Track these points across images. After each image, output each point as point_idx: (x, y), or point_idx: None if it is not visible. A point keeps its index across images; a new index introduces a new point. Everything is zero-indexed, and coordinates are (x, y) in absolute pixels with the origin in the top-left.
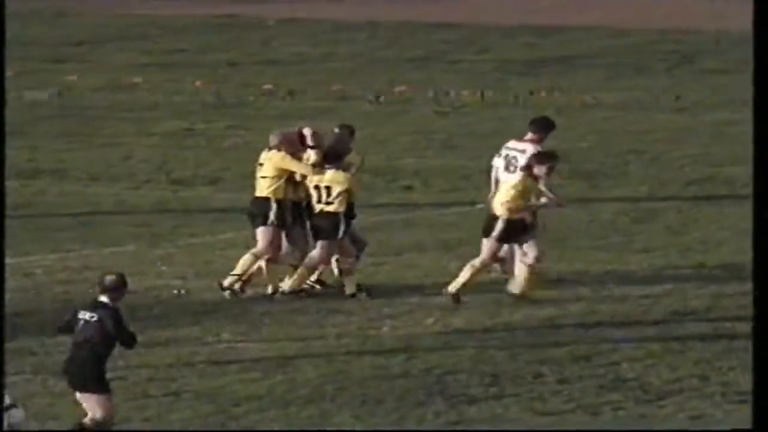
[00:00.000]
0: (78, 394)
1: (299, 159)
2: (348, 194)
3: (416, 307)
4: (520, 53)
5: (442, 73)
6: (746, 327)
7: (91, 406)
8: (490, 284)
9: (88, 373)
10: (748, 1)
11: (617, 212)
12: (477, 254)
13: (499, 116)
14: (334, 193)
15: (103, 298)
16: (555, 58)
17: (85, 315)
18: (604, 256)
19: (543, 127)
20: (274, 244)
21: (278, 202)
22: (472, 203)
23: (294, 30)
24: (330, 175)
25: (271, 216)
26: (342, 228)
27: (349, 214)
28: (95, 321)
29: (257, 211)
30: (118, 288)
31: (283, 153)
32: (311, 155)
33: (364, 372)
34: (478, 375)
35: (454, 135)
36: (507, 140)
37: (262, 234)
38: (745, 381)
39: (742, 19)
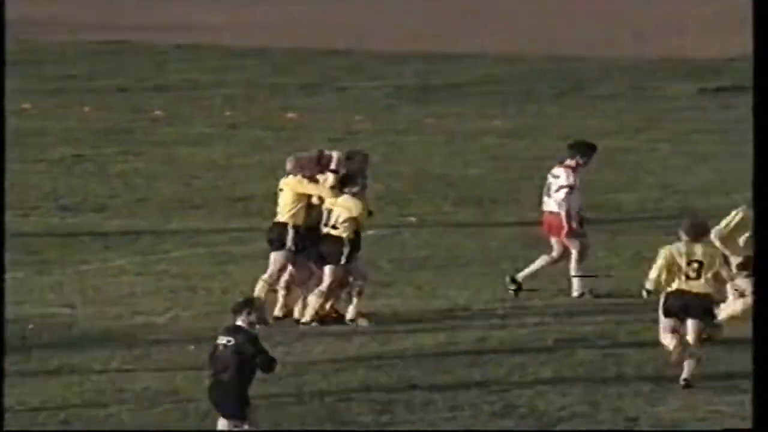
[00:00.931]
0: (222, 420)
1: (315, 182)
2: (355, 221)
3: (308, 334)
4: (410, 80)
5: (332, 100)
6: (637, 353)
7: (229, 429)
8: (378, 312)
9: (231, 397)
10: (638, 28)
11: (508, 238)
12: (368, 281)
13: (391, 142)
14: (342, 218)
15: (239, 322)
16: (445, 85)
17: (222, 340)
18: (496, 283)
19: (578, 151)
20: (285, 270)
21: (296, 227)
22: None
23: (185, 56)
24: (341, 200)
25: (288, 242)
26: (345, 253)
27: (357, 241)
28: (231, 345)
29: (275, 236)
30: (249, 308)
31: (299, 177)
32: (329, 178)
33: (256, 401)
34: (369, 402)
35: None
36: (398, 167)
37: (275, 259)
38: (633, 408)
39: (630, 47)
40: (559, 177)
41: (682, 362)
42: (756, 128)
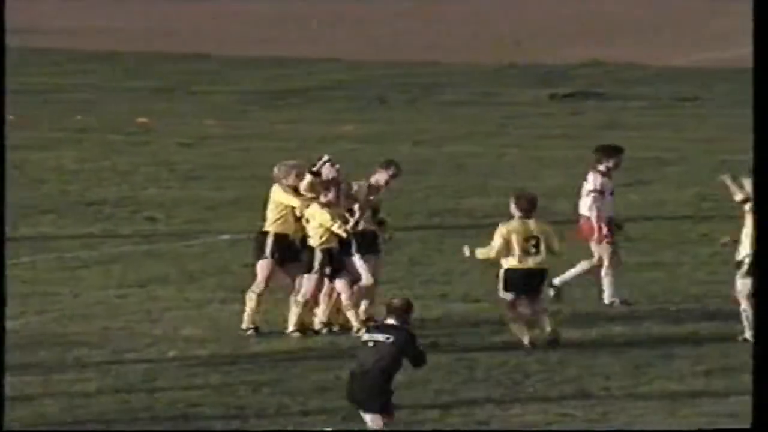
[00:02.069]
0: (364, 415)
1: (295, 190)
2: (323, 229)
3: (160, 340)
4: (262, 85)
5: (184, 104)
6: (488, 358)
7: (376, 425)
8: (231, 317)
9: (377, 393)
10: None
11: None
12: (221, 286)
13: (243, 147)
14: (309, 227)
15: (392, 321)
16: (297, 90)
17: (375, 337)
18: None
19: (603, 154)
20: (271, 279)
21: (276, 235)
22: (216, 234)
23: (34, 60)
24: (309, 210)
25: (267, 250)
26: (318, 261)
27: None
28: (390, 342)
29: (256, 244)
30: (407, 311)
31: (278, 186)
32: (306, 179)
33: (107, 407)
34: (222, 408)
35: (197, 166)
36: (251, 172)
37: (259, 268)
38: (485, 411)
39: (481, 53)
40: (588, 181)
41: (524, 334)
42: (756, 127)
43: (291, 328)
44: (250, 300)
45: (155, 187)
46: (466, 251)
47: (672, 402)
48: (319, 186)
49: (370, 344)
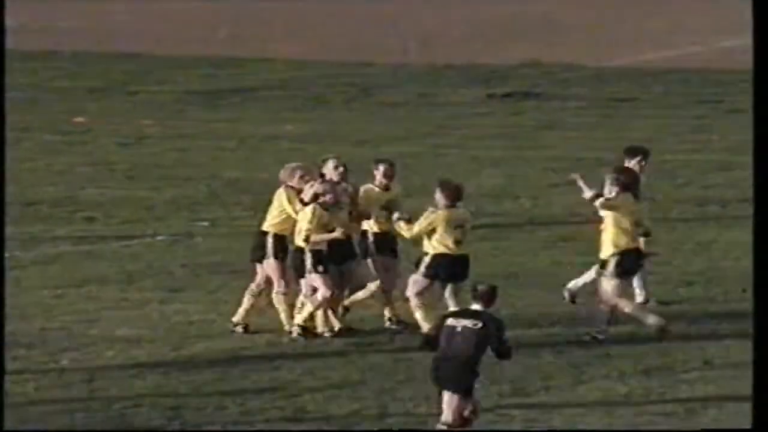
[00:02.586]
0: (445, 394)
1: (297, 192)
2: (308, 231)
3: (98, 340)
4: (200, 84)
5: (122, 104)
6: (427, 357)
7: (453, 406)
8: (170, 317)
9: (463, 377)
10: (429, 35)
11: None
12: (160, 286)
13: (181, 147)
14: (297, 229)
15: (478, 307)
16: (236, 89)
17: (462, 323)
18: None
19: (628, 155)
20: (282, 276)
21: (275, 236)
22: (154, 235)
23: None
24: (301, 212)
25: (268, 250)
26: (309, 262)
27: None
28: (478, 328)
29: (255, 244)
30: (493, 297)
31: (282, 189)
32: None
33: (44, 407)
34: (161, 407)
35: (135, 166)
36: (189, 172)
37: (270, 270)
38: (424, 409)
39: (418, 53)
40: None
41: (428, 321)
42: (756, 129)
43: (295, 325)
44: (279, 303)
45: (93, 187)
46: (395, 218)
47: (610, 402)
48: (323, 187)
49: (458, 330)
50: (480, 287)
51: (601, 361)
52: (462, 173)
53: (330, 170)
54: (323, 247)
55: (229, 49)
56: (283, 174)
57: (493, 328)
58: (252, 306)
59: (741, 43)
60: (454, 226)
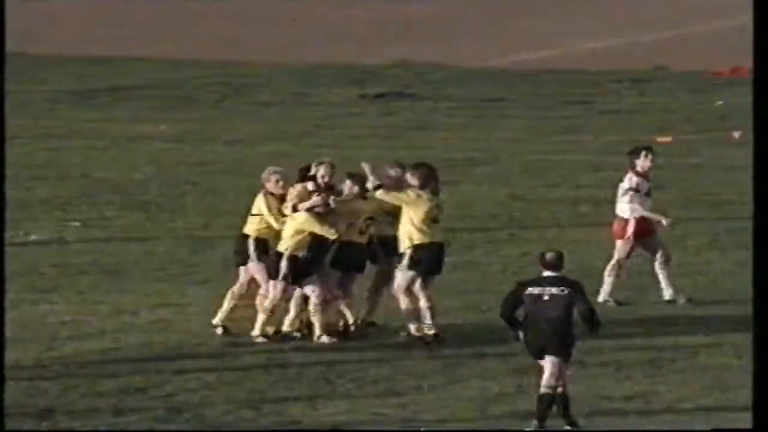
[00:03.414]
0: (547, 360)
1: (274, 196)
2: (299, 235)
3: None
4: (70, 83)
5: None
6: (301, 357)
7: (555, 370)
8: (41, 318)
9: (563, 339)
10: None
11: (175, 244)
12: (31, 287)
13: (53, 147)
14: (284, 231)
15: (551, 273)
16: (108, 89)
17: (548, 290)
18: (163, 288)
19: (634, 153)
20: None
21: (257, 239)
22: (26, 235)
23: None
24: (298, 216)
25: (251, 253)
26: (284, 269)
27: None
28: (565, 294)
29: (237, 248)
30: (562, 262)
31: (261, 194)
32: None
33: None
34: (32, 408)
35: (6, 166)
36: (60, 171)
37: (255, 272)
38: (297, 410)
39: (291, 52)
40: (624, 181)
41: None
42: (756, 128)
43: (256, 332)
44: (260, 304)
45: None
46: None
47: (483, 400)
48: (311, 194)
49: (546, 298)
50: (548, 255)
51: (473, 361)
52: (337, 173)
53: (322, 171)
54: (302, 254)
55: (102, 48)
56: (263, 176)
57: (578, 292)
58: (233, 308)
59: (609, 45)
60: (434, 213)
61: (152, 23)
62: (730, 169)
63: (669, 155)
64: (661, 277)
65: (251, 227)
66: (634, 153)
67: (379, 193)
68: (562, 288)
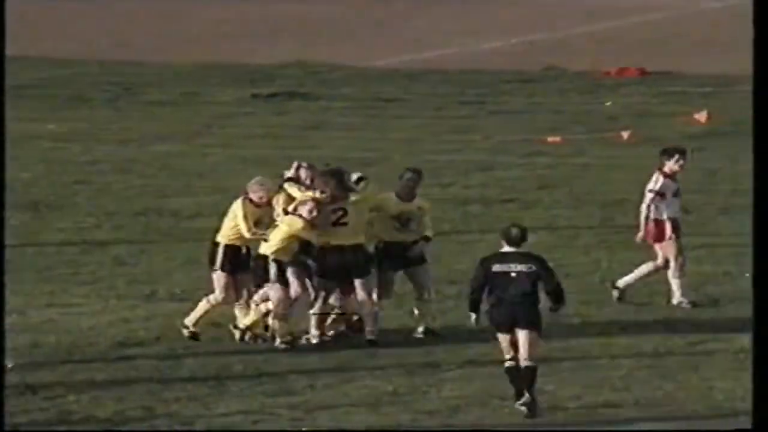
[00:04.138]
0: (521, 333)
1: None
2: (287, 240)
3: None
4: None
5: None
6: (194, 357)
7: (530, 343)
8: None
9: (535, 315)
10: (193, 34)
11: (64, 243)
12: None
13: None
14: (272, 235)
15: (513, 249)
16: None
17: (515, 268)
18: (50, 288)
19: (665, 155)
20: (226, 289)
21: (226, 247)
22: None
23: None
24: (286, 219)
25: (217, 261)
26: (274, 272)
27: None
28: (533, 271)
29: (210, 254)
30: (525, 237)
31: (240, 201)
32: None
33: None
34: None
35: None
36: None
37: (214, 279)
38: (189, 411)
39: (182, 52)
40: (650, 181)
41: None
42: (756, 127)
43: (278, 341)
44: (203, 305)
45: None
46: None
47: (376, 399)
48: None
49: (513, 275)
50: (513, 231)
51: (366, 360)
52: (228, 173)
53: (304, 172)
54: (284, 257)
55: None
56: (248, 185)
57: (545, 269)
58: (244, 312)
59: (500, 45)
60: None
61: (41, 21)
62: (618, 168)
63: (559, 155)
64: (675, 282)
65: (223, 233)
66: (666, 154)
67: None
68: (529, 265)
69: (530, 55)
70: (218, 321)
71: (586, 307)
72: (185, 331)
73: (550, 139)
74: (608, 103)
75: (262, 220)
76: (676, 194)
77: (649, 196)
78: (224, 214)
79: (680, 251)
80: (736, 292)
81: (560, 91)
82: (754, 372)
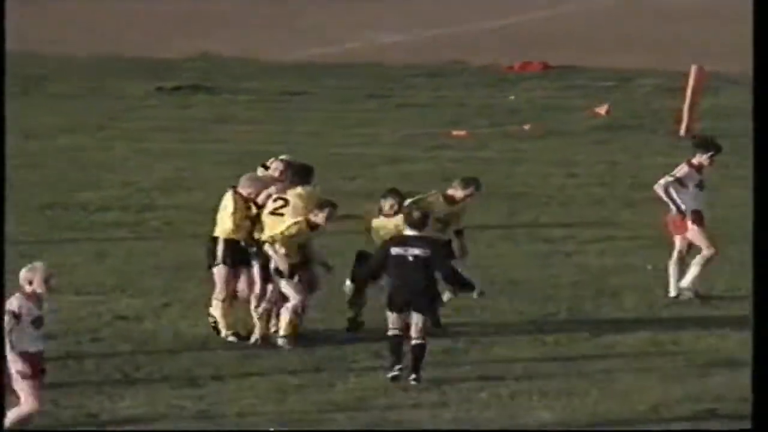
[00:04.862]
0: (414, 316)
1: (242, 198)
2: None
3: None
4: None
5: None
6: (96, 349)
7: (421, 326)
8: None
9: (424, 296)
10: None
11: None
12: None
13: None
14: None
15: (414, 233)
16: None
17: (412, 251)
18: None
19: (696, 146)
20: (227, 283)
21: (225, 241)
22: None
23: None
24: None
25: (218, 255)
26: (281, 264)
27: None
28: (428, 255)
29: (208, 250)
30: (426, 221)
31: (230, 194)
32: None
33: None
34: None
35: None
36: None
37: (215, 275)
38: (94, 404)
39: (85, 45)
40: (675, 170)
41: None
42: (757, 125)
43: (281, 335)
44: (216, 308)
45: None
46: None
47: (281, 391)
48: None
49: (410, 259)
50: (414, 214)
51: (272, 353)
52: (133, 166)
53: (275, 164)
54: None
55: None
56: (241, 180)
57: (438, 255)
58: (226, 313)
59: (407, 39)
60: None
61: None
62: (521, 162)
63: (463, 149)
64: (671, 271)
65: (220, 228)
66: (701, 147)
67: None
68: (424, 250)
69: (435, 50)
70: (125, 315)
71: (493, 300)
72: (230, 339)
73: (455, 132)
74: (511, 97)
75: (250, 215)
76: (699, 186)
77: (667, 179)
78: (130, 207)
79: (711, 241)
80: (637, 283)
81: (465, 85)
82: (755, 372)
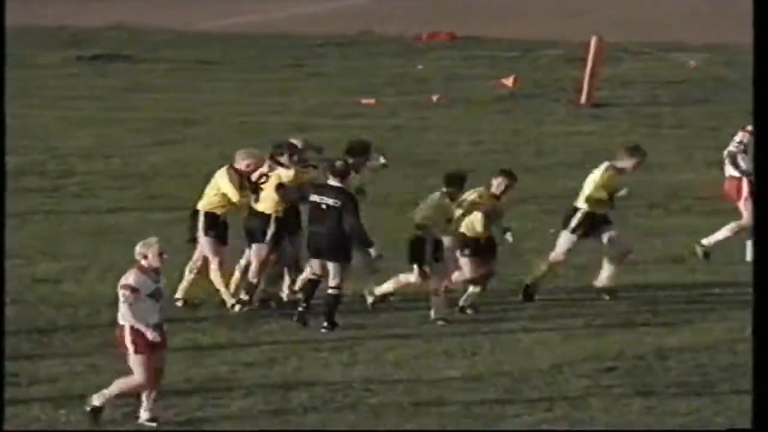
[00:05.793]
0: (329, 264)
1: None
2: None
3: None
4: None
5: None
6: (15, 311)
7: (338, 273)
8: None
9: (337, 245)
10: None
11: None
12: None
13: None
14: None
15: (336, 183)
16: None
17: (326, 200)
18: None
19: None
20: (218, 252)
21: (206, 214)
22: None
23: None
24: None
25: (200, 227)
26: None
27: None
28: (339, 206)
29: (190, 224)
30: (348, 172)
31: (225, 169)
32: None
33: None
34: None
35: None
36: None
37: (204, 247)
38: (15, 365)
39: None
40: (734, 140)
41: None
42: (756, 125)
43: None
44: (216, 279)
45: None
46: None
47: (196, 351)
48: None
49: (323, 207)
50: (337, 163)
51: (187, 314)
52: (51, 134)
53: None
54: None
55: None
56: (236, 155)
57: (347, 207)
58: (192, 282)
59: (316, 10)
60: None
61: None
62: (429, 129)
63: (373, 117)
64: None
65: (203, 202)
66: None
67: None
68: (336, 201)
69: (346, 20)
70: (45, 278)
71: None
72: (236, 308)
73: (364, 101)
74: (419, 67)
75: (243, 187)
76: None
77: (739, 147)
78: (49, 173)
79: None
80: (542, 247)
81: (374, 55)
82: (755, 372)
